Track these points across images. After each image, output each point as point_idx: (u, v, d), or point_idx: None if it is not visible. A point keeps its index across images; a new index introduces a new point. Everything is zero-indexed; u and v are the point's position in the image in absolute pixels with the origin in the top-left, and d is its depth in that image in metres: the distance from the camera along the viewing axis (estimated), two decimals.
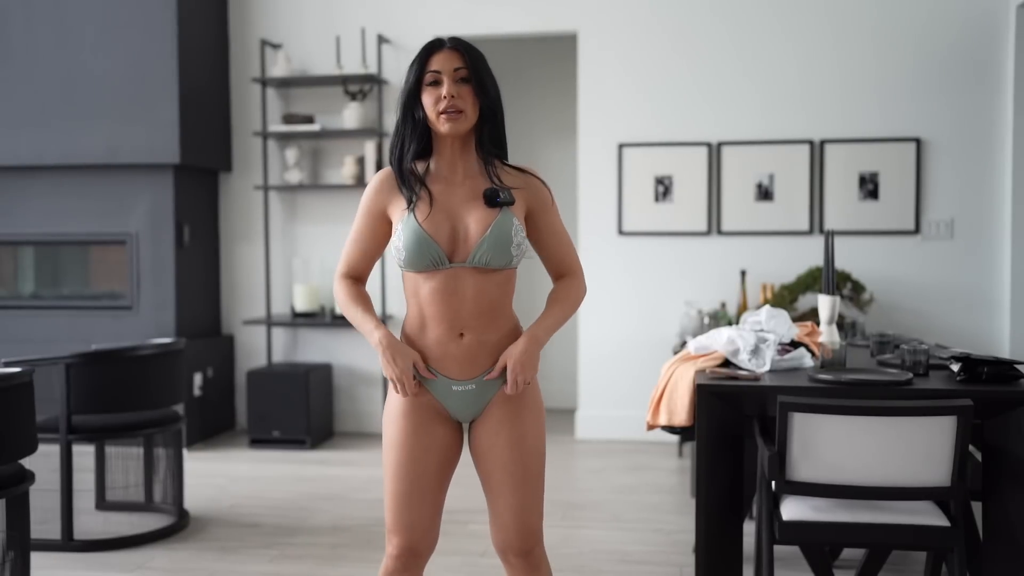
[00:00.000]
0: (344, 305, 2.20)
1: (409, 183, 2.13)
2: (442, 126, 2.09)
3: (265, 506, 4.29)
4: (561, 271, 2.28)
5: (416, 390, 2.15)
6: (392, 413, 2.21)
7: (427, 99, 2.10)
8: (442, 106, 2.07)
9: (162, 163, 5.37)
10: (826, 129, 5.37)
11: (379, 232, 2.20)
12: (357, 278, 2.24)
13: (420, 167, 2.17)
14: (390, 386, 2.22)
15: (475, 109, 2.11)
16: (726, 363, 2.93)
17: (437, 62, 2.09)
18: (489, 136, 2.16)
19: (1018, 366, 2.64)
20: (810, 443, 2.40)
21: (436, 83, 2.09)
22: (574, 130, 6.26)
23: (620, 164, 5.52)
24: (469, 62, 2.10)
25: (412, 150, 2.15)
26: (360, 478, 4.78)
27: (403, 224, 2.10)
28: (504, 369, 2.14)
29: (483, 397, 2.16)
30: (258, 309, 5.94)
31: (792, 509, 2.50)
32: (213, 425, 5.72)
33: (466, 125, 2.11)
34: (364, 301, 2.20)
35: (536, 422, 2.18)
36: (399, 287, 5.53)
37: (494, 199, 2.10)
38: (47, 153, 5.42)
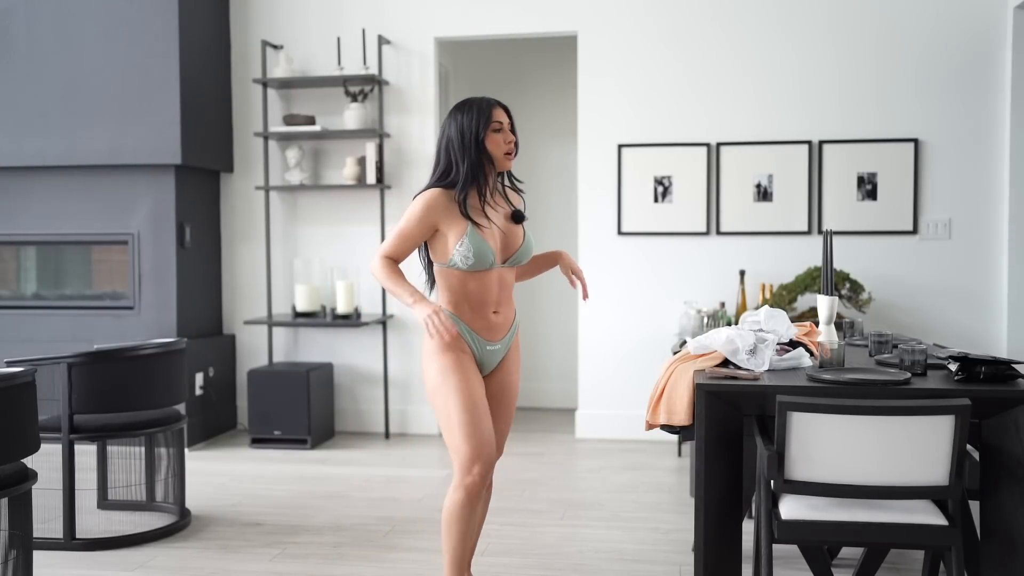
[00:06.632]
0: (386, 278, 2.79)
1: (476, 207, 2.80)
2: (507, 163, 2.86)
3: (266, 505, 4.30)
4: None
5: (451, 328, 2.68)
6: (445, 370, 2.77)
7: (494, 142, 2.81)
8: (508, 148, 2.84)
9: (164, 164, 5.39)
10: (825, 130, 5.38)
11: (424, 238, 2.82)
12: (395, 260, 2.84)
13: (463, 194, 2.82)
14: (428, 354, 2.82)
15: None
16: (725, 363, 2.94)
17: (499, 115, 2.83)
18: (509, 172, 2.95)
19: (1016, 366, 2.65)
20: (809, 442, 2.41)
21: (499, 130, 2.82)
22: (574, 130, 6.28)
23: (620, 164, 5.53)
24: (511, 118, 2.87)
25: (485, 176, 2.81)
26: (361, 477, 4.80)
27: (468, 238, 2.75)
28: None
29: (502, 353, 2.92)
30: (259, 309, 5.96)
31: (791, 508, 2.51)
32: (214, 424, 5.74)
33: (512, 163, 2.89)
34: (401, 276, 2.81)
35: (519, 374, 3.02)
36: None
37: (520, 218, 2.91)
38: (49, 154, 5.44)
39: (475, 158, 2.78)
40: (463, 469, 2.73)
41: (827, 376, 2.66)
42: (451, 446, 2.77)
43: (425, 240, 2.84)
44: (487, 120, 2.80)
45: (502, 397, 2.95)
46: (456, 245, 2.75)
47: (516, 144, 2.87)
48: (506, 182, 2.96)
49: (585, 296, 3.04)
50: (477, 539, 2.98)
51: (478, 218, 2.79)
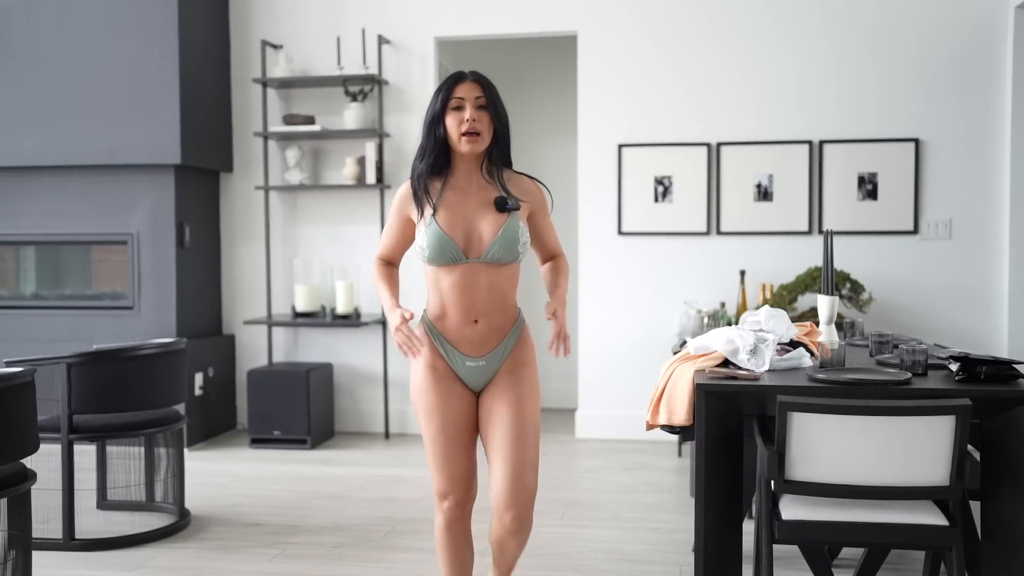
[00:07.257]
0: (375, 280, 2.67)
1: (429, 194, 2.51)
2: (463, 147, 2.48)
3: (266, 505, 4.30)
4: (552, 254, 2.73)
5: (420, 340, 2.50)
6: (421, 389, 2.57)
7: (451, 121, 2.48)
8: (464, 127, 2.46)
9: (163, 163, 5.38)
10: (825, 130, 5.38)
11: (405, 231, 2.61)
12: (389, 261, 2.68)
13: (440, 180, 2.54)
14: (412, 368, 2.60)
15: (490, 132, 2.51)
16: (725, 363, 2.93)
17: (461, 90, 2.49)
18: (498, 154, 2.55)
19: (1016, 366, 2.64)
20: (809, 443, 2.41)
21: (459, 108, 2.48)
22: (574, 130, 6.27)
23: (620, 164, 5.53)
24: (487, 92, 2.51)
25: (429, 163, 2.51)
26: (361, 477, 4.80)
27: (426, 227, 2.48)
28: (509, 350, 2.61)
29: (490, 370, 2.58)
30: (259, 309, 5.95)
31: (791, 508, 2.51)
32: (214, 424, 5.74)
33: (482, 146, 2.50)
34: (389, 279, 2.65)
35: (532, 393, 2.59)
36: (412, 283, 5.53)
37: (503, 206, 2.49)
38: (49, 153, 5.44)
39: (427, 139, 2.51)
40: (437, 497, 2.63)
41: (827, 376, 2.66)
42: (430, 467, 2.62)
43: (410, 233, 2.61)
44: (446, 96, 2.49)
45: (504, 424, 2.52)
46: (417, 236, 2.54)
47: (502, 132, 2.53)
48: (515, 169, 2.64)
49: (554, 349, 2.56)
50: (506, 557, 2.74)
51: (443, 205, 2.48)
